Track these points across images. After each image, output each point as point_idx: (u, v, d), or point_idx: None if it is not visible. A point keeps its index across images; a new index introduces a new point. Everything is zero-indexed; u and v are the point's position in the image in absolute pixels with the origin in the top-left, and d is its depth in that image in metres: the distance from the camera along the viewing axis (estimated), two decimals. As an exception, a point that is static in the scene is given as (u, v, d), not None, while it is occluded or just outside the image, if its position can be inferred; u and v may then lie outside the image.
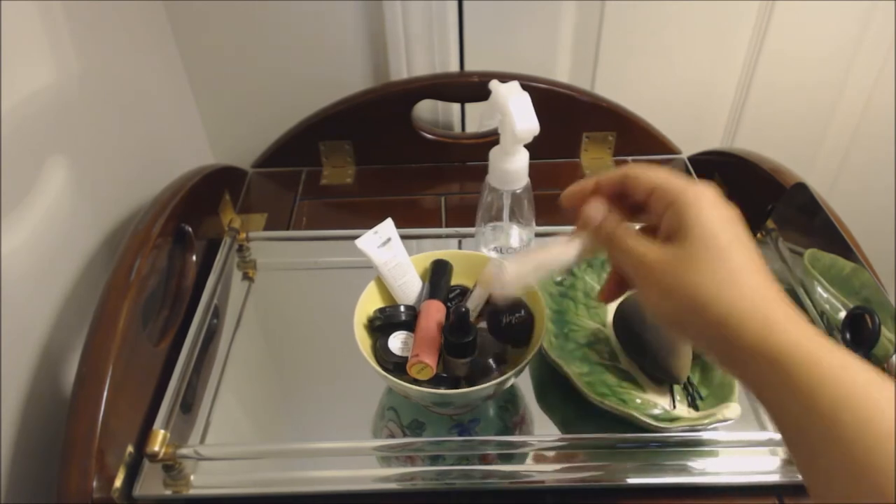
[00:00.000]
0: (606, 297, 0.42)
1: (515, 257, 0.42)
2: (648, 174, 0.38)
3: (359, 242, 0.52)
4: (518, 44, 0.80)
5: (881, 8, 0.80)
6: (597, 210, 0.39)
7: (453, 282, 0.56)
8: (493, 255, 0.59)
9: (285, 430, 0.55)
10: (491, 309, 0.51)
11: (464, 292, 0.55)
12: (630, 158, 0.85)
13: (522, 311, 0.50)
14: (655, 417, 0.50)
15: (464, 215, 0.76)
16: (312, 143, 0.83)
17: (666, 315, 0.35)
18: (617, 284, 0.42)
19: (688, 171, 0.83)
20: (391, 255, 0.53)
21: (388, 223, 0.54)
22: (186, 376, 0.55)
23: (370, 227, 0.54)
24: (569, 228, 0.42)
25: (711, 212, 0.35)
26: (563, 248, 0.41)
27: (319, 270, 0.70)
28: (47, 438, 0.52)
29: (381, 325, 0.52)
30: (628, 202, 0.40)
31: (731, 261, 0.33)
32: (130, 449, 0.49)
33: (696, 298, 0.33)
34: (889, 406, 0.28)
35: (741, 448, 0.51)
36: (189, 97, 0.82)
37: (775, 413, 0.32)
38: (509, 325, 0.50)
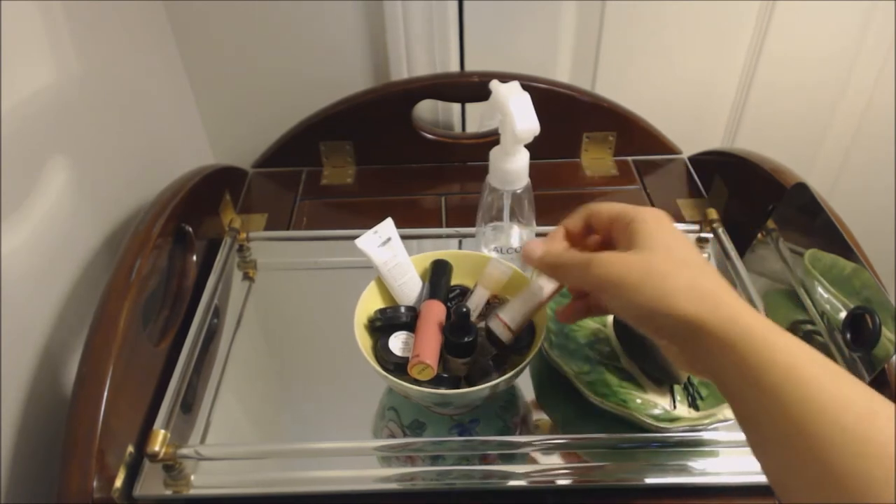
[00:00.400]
0: (566, 317, 0.47)
1: (506, 308, 0.48)
2: (607, 206, 0.43)
3: (359, 242, 0.52)
4: (518, 44, 0.80)
5: (881, 8, 0.80)
6: (534, 246, 0.44)
7: (453, 282, 0.56)
8: (493, 255, 0.59)
9: (285, 430, 0.55)
10: (490, 311, 0.51)
11: (464, 292, 0.55)
12: (630, 159, 0.85)
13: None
14: (656, 417, 0.50)
15: (464, 215, 0.76)
16: (313, 143, 0.83)
17: (636, 308, 0.38)
18: (578, 308, 0.46)
19: (688, 171, 0.83)
20: (391, 255, 0.53)
21: (388, 223, 0.54)
22: (187, 376, 0.55)
23: (370, 227, 0.54)
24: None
25: (667, 229, 0.40)
26: (537, 288, 0.47)
27: (319, 270, 0.70)
28: (47, 438, 0.52)
29: (382, 326, 0.52)
30: (590, 241, 0.45)
31: (689, 266, 0.37)
32: (131, 449, 0.49)
33: (663, 298, 0.36)
34: (823, 376, 0.32)
35: (741, 448, 0.51)
36: (189, 97, 0.82)
37: (733, 396, 0.35)
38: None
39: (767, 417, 0.33)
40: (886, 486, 0.28)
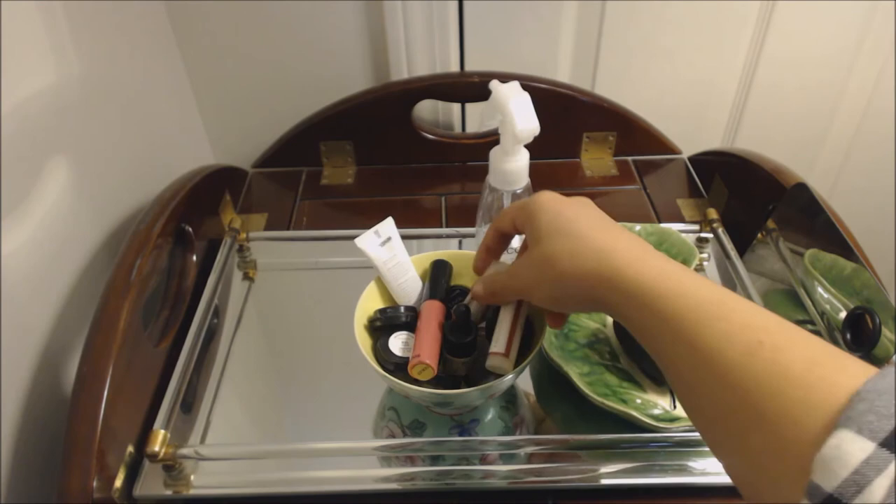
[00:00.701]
0: (555, 323, 0.47)
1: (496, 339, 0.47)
2: (504, 212, 0.45)
3: (358, 241, 0.52)
4: (518, 44, 0.80)
5: (881, 8, 0.80)
6: (475, 288, 0.47)
7: (453, 282, 0.56)
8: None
9: (285, 430, 0.55)
10: (490, 317, 0.51)
11: (464, 292, 0.55)
12: (630, 159, 0.85)
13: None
14: (656, 417, 0.50)
15: (464, 215, 0.76)
16: (313, 143, 0.83)
17: (551, 301, 0.41)
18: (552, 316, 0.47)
19: (688, 171, 0.83)
20: (391, 255, 0.53)
21: (389, 222, 0.54)
22: (187, 376, 0.55)
23: (370, 227, 0.53)
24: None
25: (551, 204, 0.41)
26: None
27: (319, 270, 0.70)
28: (47, 438, 0.52)
29: (382, 326, 0.52)
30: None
31: (569, 237, 0.39)
32: (131, 449, 0.49)
33: (558, 282, 0.39)
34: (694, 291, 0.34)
35: (741, 448, 0.51)
36: (189, 97, 0.82)
37: (648, 341, 0.38)
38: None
39: (668, 337, 0.35)
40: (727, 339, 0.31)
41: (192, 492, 0.49)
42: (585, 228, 0.39)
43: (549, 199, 0.41)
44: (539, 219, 0.41)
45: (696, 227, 0.70)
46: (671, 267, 0.36)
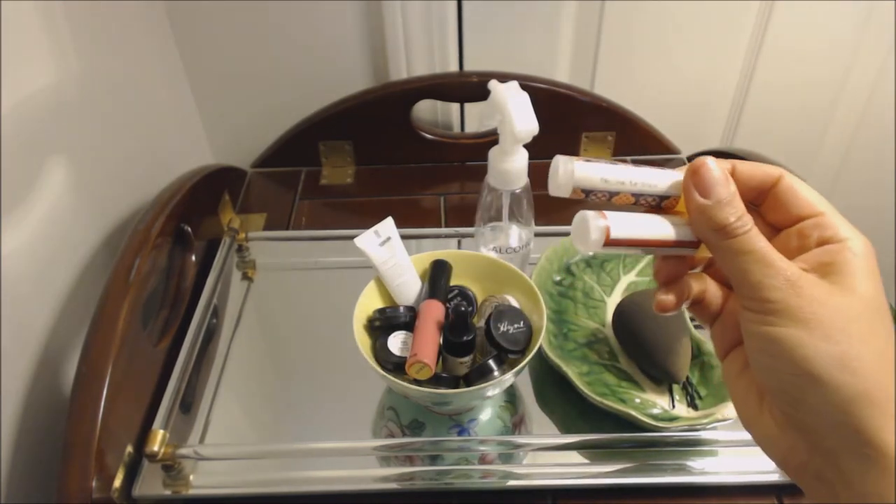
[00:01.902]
0: (671, 306, 0.31)
1: (590, 162, 0.30)
2: (811, 193, 0.29)
3: (358, 241, 0.52)
4: (517, 44, 0.80)
5: (881, 6, 0.80)
6: (724, 185, 0.28)
7: (453, 282, 0.56)
8: (492, 254, 0.59)
9: (285, 430, 0.55)
10: (492, 313, 0.51)
11: (463, 292, 0.55)
12: (630, 158, 0.85)
13: (521, 323, 0.50)
14: (655, 417, 0.50)
15: (463, 215, 0.76)
16: (312, 143, 0.83)
17: (788, 360, 0.26)
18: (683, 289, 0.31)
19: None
20: (390, 255, 0.53)
21: (389, 222, 0.54)
22: (186, 376, 0.55)
23: (370, 226, 0.53)
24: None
25: (876, 277, 0.27)
26: (659, 185, 0.30)
27: (319, 270, 0.70)
28: (47, 438, 0.52)
29: (381, 326, 0.52)
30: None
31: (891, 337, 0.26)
32: (130, 449, 0.49)
33: (845, 360, 0.25)
34: None
35: (741, 448, 0.51)
36: (189, 97, 0.82)
37: None
38: (506, 333, 0.50)
39: None
40: None
41: (192, 492, 0.49)
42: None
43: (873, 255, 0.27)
44: (863, 264, 0.27)
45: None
46: None
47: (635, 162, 0.31)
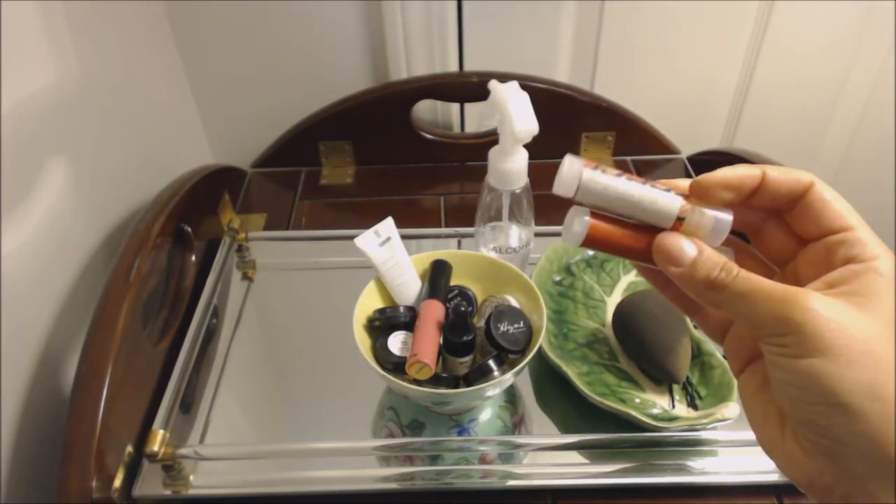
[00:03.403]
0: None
1: (601, 169, 0.30)
2: (842, 205, 0.27)
3: (358, 241, 0.52)
4: (518, 44, 0.80)
5: (881, 6, 0.80)
6: (687, 246, 0.28)
7: (453, 282, 0.56)
8: (492, 254, 0.59)
9: (285, 430, 0.55)
10: (492, 313, 0.51)
11: (463, 292, 0.55)
12: (629, 159, 0.85)
13: (521, 323, 0.50)
14: (654, 417, 0.50)
15: (463, 215, 0.76)
16: (312, 143, 0.83)
17: (814, 392, 0.24)
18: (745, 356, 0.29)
19: (687, 171, 0.84)
20: (390, 255, 0.53)
21: (389, 222, 0.54)
22: (186, 376, 0.55)
23: (370, 227, 0.54)
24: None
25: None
26: (663, 206, 0.29)
27: (319, 270, 0.70)
28: (47, 438, 0.52)
29: (381, 326, 0.52)
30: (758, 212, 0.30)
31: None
32: (130, 449, 0.49)
33: (874, 387, 0.24)
34: None
35: (740, 448, 0.51)
36: (189, 97, 0.82)
37: None
38: (506, 333, 0.50)
39: None
40: None
41: (192, 492, 0.49)
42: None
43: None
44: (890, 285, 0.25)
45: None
46: None
47: (648, 179, 0.29)
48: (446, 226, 0.75)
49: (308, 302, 0.67)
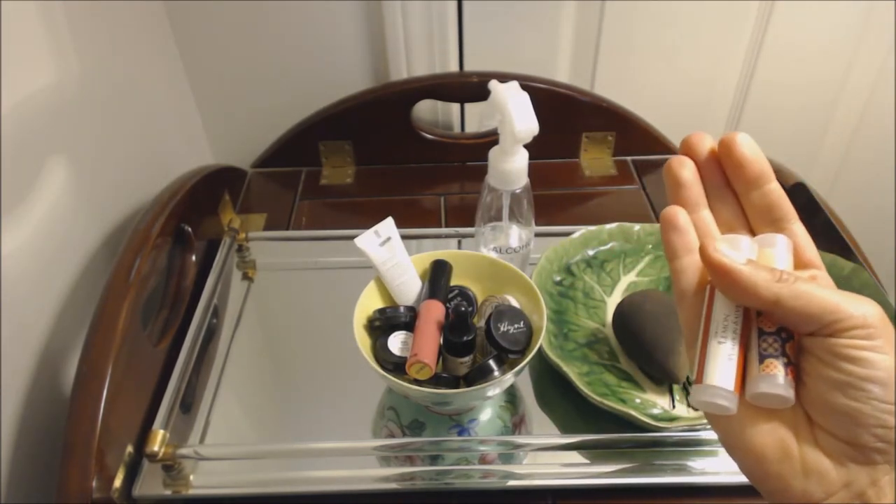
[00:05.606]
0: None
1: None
2: (826, 293, 0.28)
3: (358, 241, 0.52)
4: (518, 44, 0.80)
5: (881, 6, 0.80)
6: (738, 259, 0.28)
7: (453, 282, 0.56)
8: (492, 254, 0.59)
9: (285, 430, 0.55)
10: (492, 313, 0.51)
11: (463, 292, 0.55)
12: (630, 158, 0.85)
13: (521, 323, 0.50)
14: (655, 417, 0.50)
15: (464, 215, 0.76)
16: (312, 143, 0.83)
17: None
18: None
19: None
20: (390, 255, 0.53)
21: (389, 222, 0.54)
22: (186, 376, 0.55)
23: (370, 227, 0.53)
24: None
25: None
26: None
27: (319, 270, 0.70)
28: (47, 438, 0.52)
29: (381, 326, 0.52)
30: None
31: None
32: (130, 449, 0.49)
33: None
34: None
35: (741, 448, 0.51)
36: (189, 97, 0.82)
37: None
38: (506, 333, 0.50)
39: None
40: None
41: (192, 492, 0.49)
42: None
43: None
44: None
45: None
46: None
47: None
48: (446, 226, 0.75)
49: (308, 302, 0.67)
